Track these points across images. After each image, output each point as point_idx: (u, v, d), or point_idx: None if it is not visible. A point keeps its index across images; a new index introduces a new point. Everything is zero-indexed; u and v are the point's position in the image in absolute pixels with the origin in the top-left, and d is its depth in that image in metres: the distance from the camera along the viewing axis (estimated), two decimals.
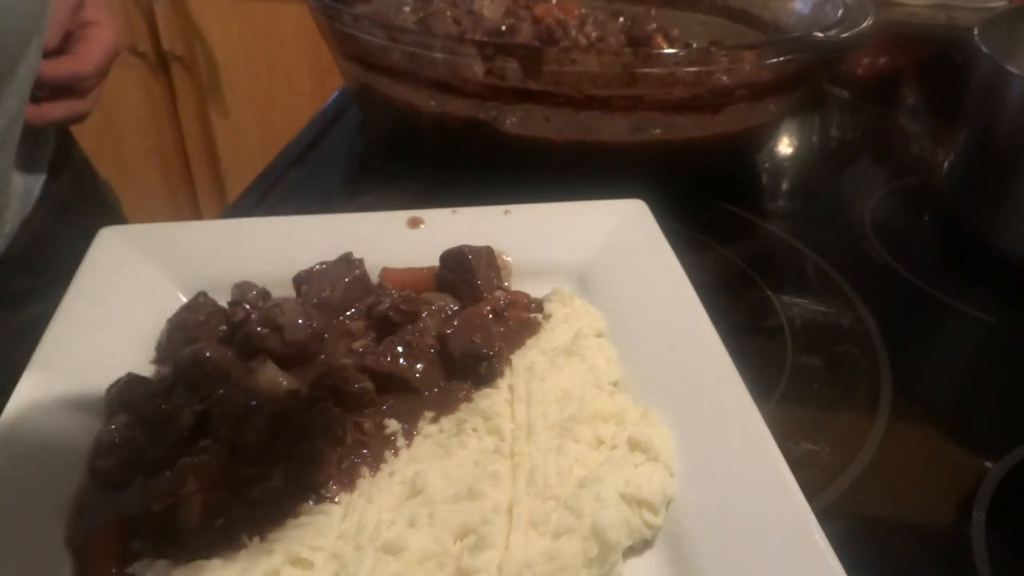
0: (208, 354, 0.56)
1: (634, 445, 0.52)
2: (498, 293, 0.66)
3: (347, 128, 1.08)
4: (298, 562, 0.45)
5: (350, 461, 0.51)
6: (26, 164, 0.84)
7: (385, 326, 0.61)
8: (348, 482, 0.50)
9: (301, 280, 0.65)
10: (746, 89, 0.84)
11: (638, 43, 0.98)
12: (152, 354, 0.61)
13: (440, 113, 0.87)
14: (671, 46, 0.99)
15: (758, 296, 0.77)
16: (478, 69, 0.81)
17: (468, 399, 0.56)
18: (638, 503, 0.48)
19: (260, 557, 0.44)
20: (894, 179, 1.03)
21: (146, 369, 0.59)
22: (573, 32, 0.96)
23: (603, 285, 0.67)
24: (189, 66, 2.30)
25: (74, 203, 0.92)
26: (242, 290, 0.65)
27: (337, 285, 0.64)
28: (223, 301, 0.63)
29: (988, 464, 0.59)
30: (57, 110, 0.84)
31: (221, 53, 2.27)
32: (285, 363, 0.58)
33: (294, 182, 0.94)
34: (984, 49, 0.78)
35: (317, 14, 0.93)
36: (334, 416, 0.52)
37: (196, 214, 2.55)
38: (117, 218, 1.02)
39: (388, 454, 0.52)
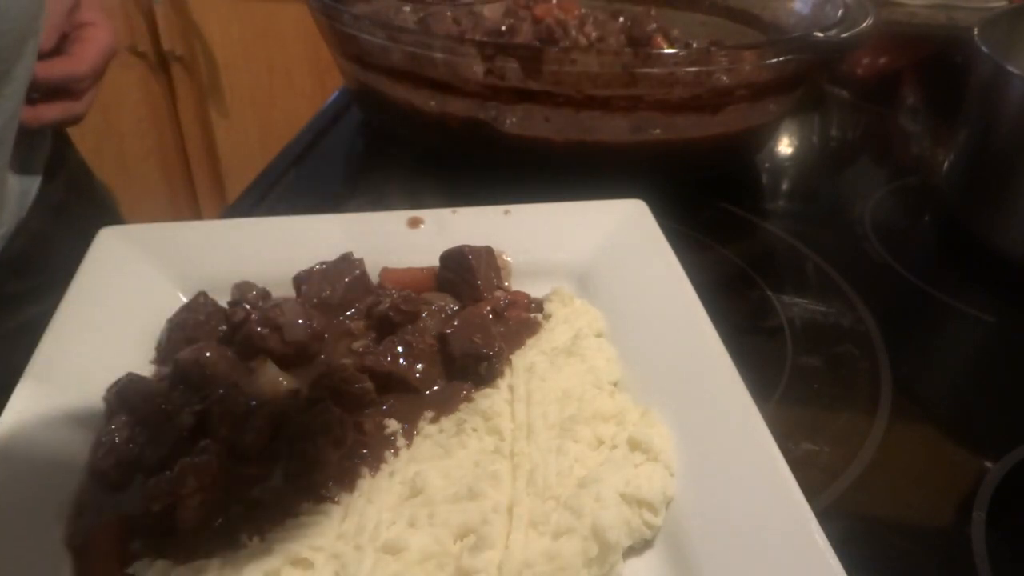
0: (208, 354, 0.56)
1: (634, 445, 0.52)
2: (498, 293, 0.66)
3: (347, 128, 1.08)
4: (298, 562, 0.45)
5: (350, 461, 0.51)
6: (22, 166, 0.84)
7: (385, 326, 0.61)
8: (348, 482, 0.50)
9: (301, 280, 0.65)
10: (746, 89, 0.84)
11: (638, 43, 0.98)
12: (152, 354, 0.61)
13: (440, 113, 0.87)
14: (671, 46, 0.99)
15: (758, 296, 0.77)
16: (478, 69, 0.81)
17: (468, 399, 0.56)
18: (638, 503, 0.48)
19: (260, 557, 0.44)
20: (894, 179, 1.03)
21: (146, 369, 0.59)
22: (573, 32, 0.96)
23: (603, 285, 0.67)
24: (189, 66, 2.30)
25: (70, 204, 0.92)
26: (242, 290, 0.65)
27: (337, 285, 0.64)
28: (223, 301, 0.63)
29: (988, 464, 0.59)
30: (52, 112, 0.84)
31: (221, 53, 2.27)
32: (285, 363, 0.58)
33: (294, 182, 0.94)
34: (984, 49, 0.78)
35: (317, 14, 0.93)
36: (334, 416, 0.52)
37: (196, 214, 2.55)
38: (114, 219, 1.02)
39: (388, 454, 0.52)
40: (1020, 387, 0.68)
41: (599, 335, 0.62)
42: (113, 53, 0.87)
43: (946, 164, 0.91)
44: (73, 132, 0.98)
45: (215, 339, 0.60)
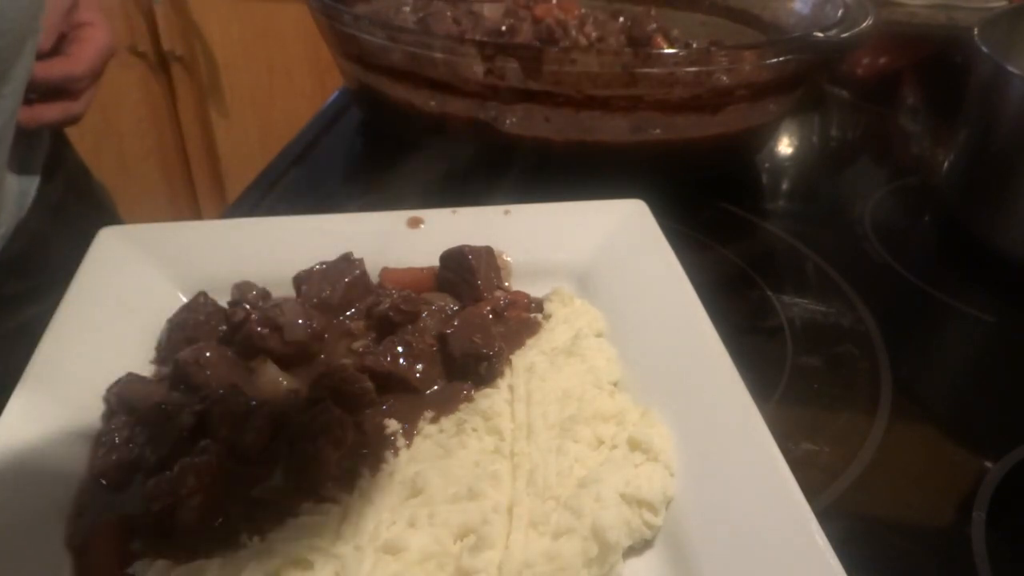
0: (208, 354, 0.56)
1: (634, 445, 0.52)
2: (498, 293, 0.66)
3: (347, 128, 1.08)
4: (298, 562, 0.45)
5: (350, 461, 0.51)
6: (21, 166, 0.84)
7: (385, 326, 0.61)
8: (348, 482, 0.50)
9: (301, 280, 0.65)
10: (746, 89, 0.84)
11: (638, 43, 0.98)
12: (152, 354, 0.61)
13: (440, 113, 0.87)
14: (671, 46, 0.99)
15: (758, 296, 0.77)
16: (478, 69, 0.81)
17: (468, 399, 0.56)
18: (638, 503, 0.48)
19: (260, 557, 0.44)
20: (894, 179, 1.03)
21: (146, 369, 0.59)
22: (573, 32, 0.96)
23: (603, 285, 0.67)
24: (189, 66, 2.30)
25: (69, 205, 0.92)
26: (242, 290, 0.65)
27: (337, 285, 0.64)
28: (223, 301, 0.63)
29: (988, 464, 0.59)
30: (50, 112, 0.84)
31: (221, 53, 2.27)
32: (285, 363, 0.58)
33: (294, 182, 0.94)
34: (984, 49, 0.78)
35: (317, 14, 0.93)
36: (334, 416, 0.52)
37: (196, 214, 2.55)
38: (113, 219, 1.02)
39: (388, 454, 0.52)
40: (1020, 387, 0.68)
41: (599, 335, 0.62)
42: (111, 53, 0.87)
43: (946, 164, 0.91)
44: (72, 132, 0.98)
45: (215, 339, 0.60)
